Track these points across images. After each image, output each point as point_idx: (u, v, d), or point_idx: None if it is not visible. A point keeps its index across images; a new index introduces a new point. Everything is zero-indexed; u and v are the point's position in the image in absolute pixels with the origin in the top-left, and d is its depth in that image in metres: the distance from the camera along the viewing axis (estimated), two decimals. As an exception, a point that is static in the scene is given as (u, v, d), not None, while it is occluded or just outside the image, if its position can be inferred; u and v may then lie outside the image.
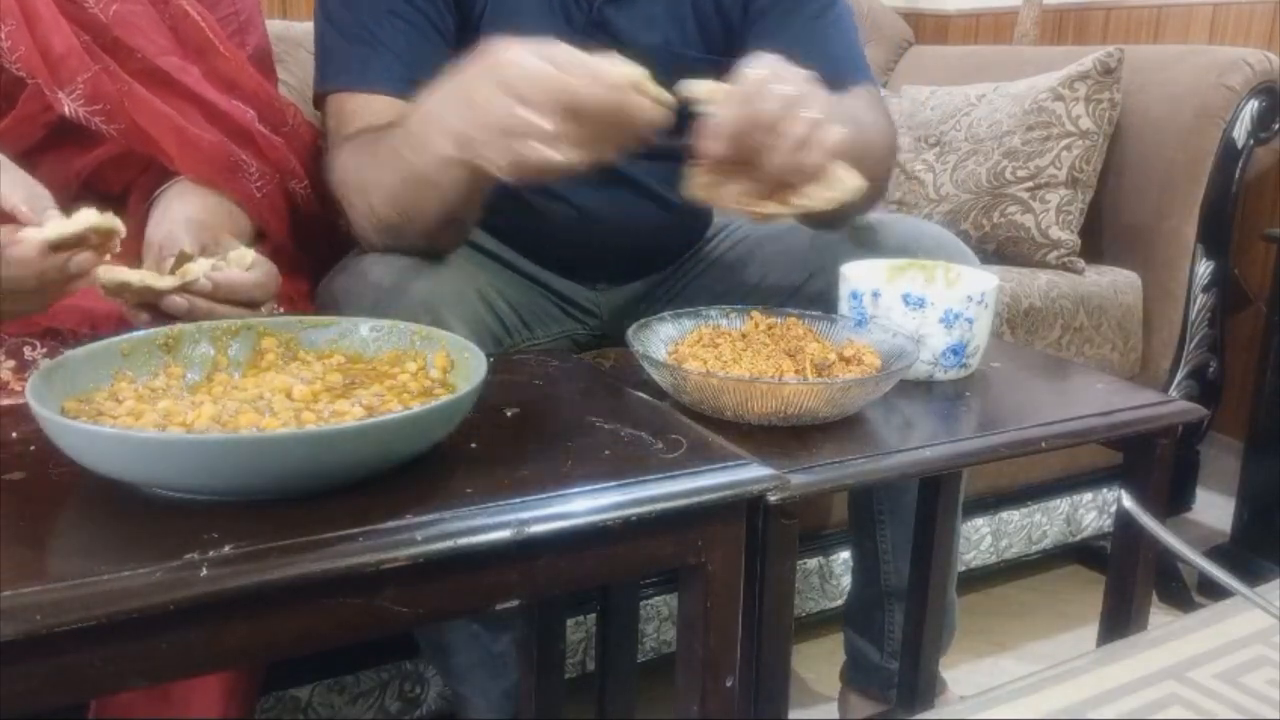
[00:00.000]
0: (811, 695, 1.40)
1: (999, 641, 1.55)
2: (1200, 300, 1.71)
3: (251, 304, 0.82)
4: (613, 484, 0.61)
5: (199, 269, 0.77)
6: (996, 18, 2.45)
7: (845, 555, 1.41)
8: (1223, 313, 1.73)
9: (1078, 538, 1.69)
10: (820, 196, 0.78)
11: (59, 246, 0.71)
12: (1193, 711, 0.46)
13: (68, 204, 0.97)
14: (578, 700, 1.12)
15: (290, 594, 0.51)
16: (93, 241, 0.73)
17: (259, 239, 1.00)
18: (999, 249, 1.71)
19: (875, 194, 1.03)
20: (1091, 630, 0.95)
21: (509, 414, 0.72)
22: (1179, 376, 1.72)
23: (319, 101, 1.04)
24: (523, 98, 0.72)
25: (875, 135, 1.01)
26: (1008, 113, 1.73)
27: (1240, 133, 1.65)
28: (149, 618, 0.48)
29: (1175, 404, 0.87)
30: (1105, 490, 1.68)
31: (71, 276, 0.73)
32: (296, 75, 1.48)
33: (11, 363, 0.83)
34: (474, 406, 0.65)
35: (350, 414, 0.60)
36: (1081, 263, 1.67)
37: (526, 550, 0.57)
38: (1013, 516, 1.61)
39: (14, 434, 0.64)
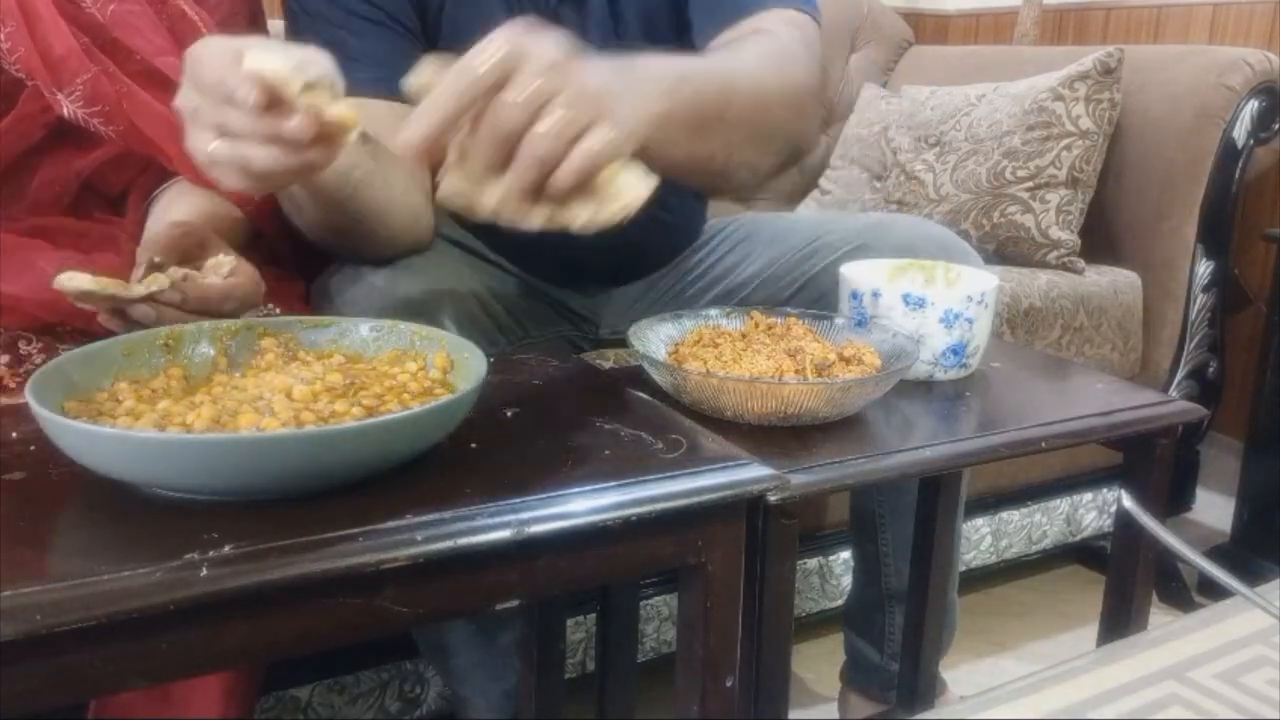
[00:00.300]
0: (811, 695, 1.40)
1: (999, 641, 1.55)
2: (1200, 300, 1.71)
3: (224, 314, 0.81)
4: (613, 484, 0.61)
5: (166, 279, 0.76)
6: (996, 18, 2.45)
7: (845, 555, 1.41)
8: (1223, 313, 1.73)
9: (1078, 538, 1.69)
10: (590, 212, 0.65)
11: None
12: (1193, 711, 0.46)
13: (68, 204, 0.97)
14: (578, 700, 1.12)
15: (290, 594, 0.51)
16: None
17: (256, 239, 1.00)
18: (999, 249, 1.71)
19: (789, 154, 0.95)
20: (1091, 630, 0.95)
21: (509, 414, 0.72)
22: (1179, 376, 1.72)
23: None
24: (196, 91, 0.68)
25: (767, 88, 0.88)
26: (1008, 113, 1.73)
27: (1240, 133, 1.65)
28: (149, 618, 0.48)
29: (1175, 404, 0.87)
30: (1105, 490, 1.68)
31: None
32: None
33: (6, 357, 0.83)
34: (474, 406, 0.65)
35: (350, 414, 0.60)
36: (1081, 263, 1.67)
37: (526, 550, 0.57)
38: (1013, 516, 1.61)
39: (14, 434, 0.64)
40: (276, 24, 1.53)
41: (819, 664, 1.44)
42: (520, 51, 0.62)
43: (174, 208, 0.93)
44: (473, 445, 0.66)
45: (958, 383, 0.88)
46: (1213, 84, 1.64)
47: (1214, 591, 1.55)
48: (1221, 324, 1.73)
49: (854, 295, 0.90)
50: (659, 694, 1.26)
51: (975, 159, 1.75)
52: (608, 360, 1.18)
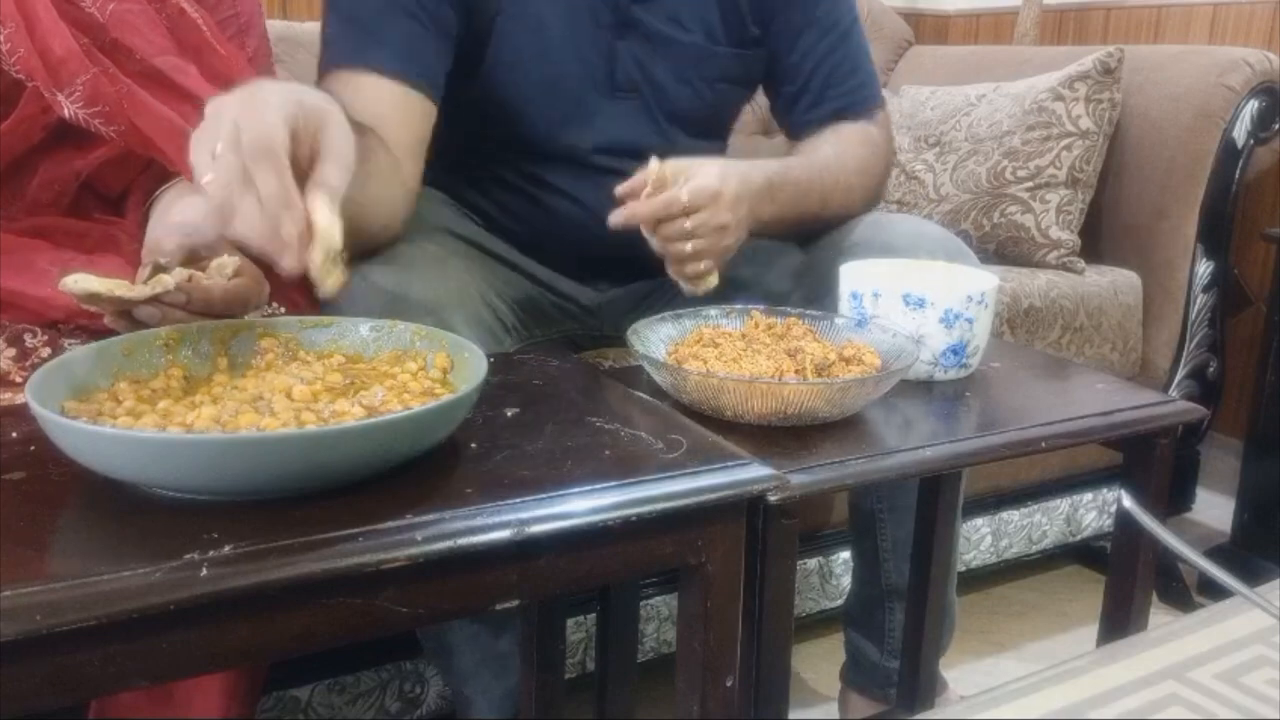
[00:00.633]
0: (811, 695, 1.40)
1: (999, 641, 1.55)
2: (1200, 300, 1.71)
3: (230, 315, 0.81)
4: (613, 484, 0.61)
5: (171, 280, 0.76)
6: (996, 18, 2.45)
7: (845, 555, 1.41)
8: (1223, 313, 1.73)
9: (1078, 538, 1.69)
10: (685, 286, 1.00)
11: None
12: (1193, 711, 0.46)
13: (67, 204, 0.97)
14: (578, 700, 1.12)
15: (290, 594, 0.51)
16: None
17: None
18: (999, 249, 1.71)
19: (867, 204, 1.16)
20: (1091, 630, 0.95)
21: (509, 414, 0.72)
22: (1179, 376, 1.72)
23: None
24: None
25: (854, 190, 1.13)
26: (1008, 113, 1.73)
27: (1240, 133, 1.65)
28: (149, 618, 0.48)
29: (1175, 404, 0.87)
30: (1105, 490, 1.68)
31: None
32: (297, 76, 1.48)
33: (12, 351, 0.83)
34: (474, 406, 0.65)
35: (350, 414, 0.60)
36: (1081, 263, 1.67)
37: (526, 550, 0.57)
38: (1013, 516, 1.61)
39: (14, 434, 0.64)
40: (277, 24, 1.53)
41: (819, 664, 1.44)
42: (702, 194, 0.94)
43: (175, 209, 0.93)
44: (472, 445, 0.66)
45: (958, 383, 0.88)
46: (1213, 84, 1.64)
47: (1214, 591, 1.55)
48: (1221, 324, 1.73)
49: (854, 295, 0.90)
50: (659, 694, 1.26)
51: (975, 159, 1.75)
52: (608, 360, 1.18)
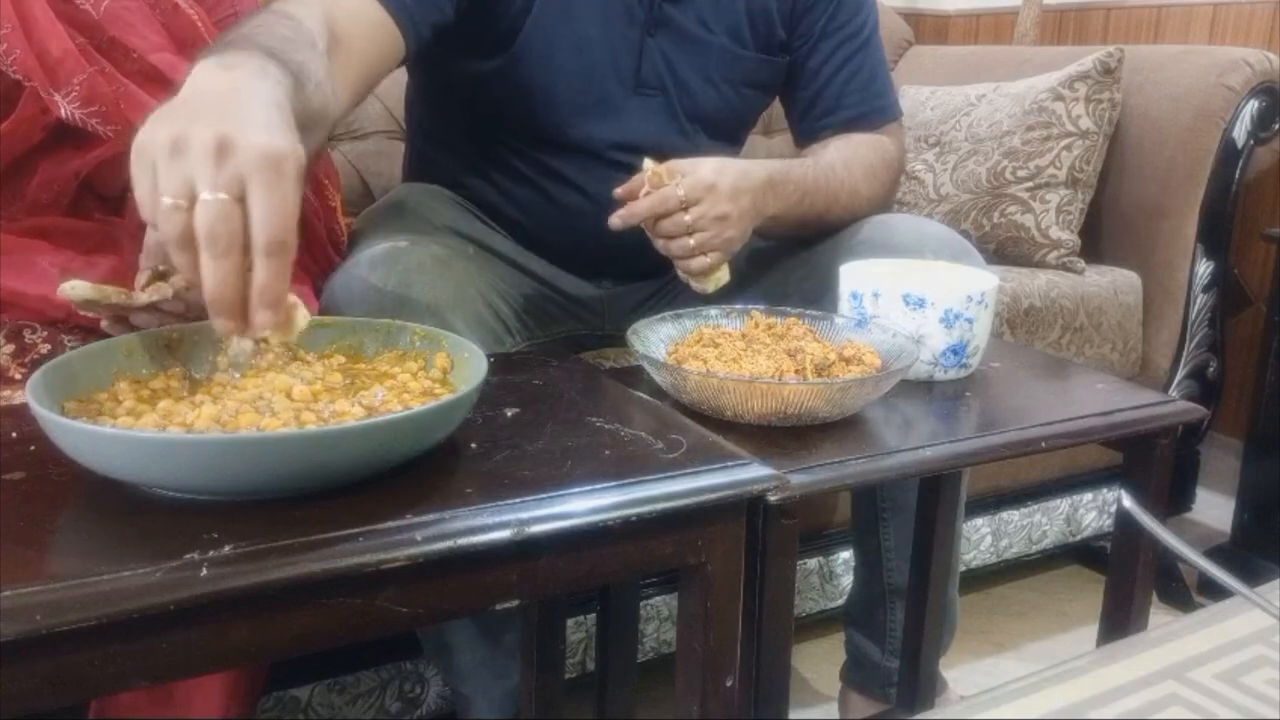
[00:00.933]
0: (811, 695, 1.40)
1: (999, 641, 1.55)
2: (1200, 300, 1.71)
3: None
4: (613, 484, 0.61)
5: (170, 288, 0.76)
6: (996, 18, 2.45)
7: (845, 555, 1.41)
8: (1223, 313, 1.73)
9: (1078, 538, 1.69)
10: (694, 284, 1.02)
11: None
12: (1193, 711, 0.46)
13: (66, 204, 0.97)
14: (578, 700, 1.12)
15: (290, 594, 0.51)
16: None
17: None
18: (999, 249, 1.71)
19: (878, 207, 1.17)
20: (1091, 630, 0.95)
21: (509, 414, 0.72)
22: (1179, 376, 1.72)
23: None
24: None
25: (860, 184, 1.13)
26: (1008, 113, 1.73)
27: (1240, 133, 1.65)
28: (149, 618, 0.48)
29: (1175, 404, 0.87)
30: (1105, 490, 1.68)
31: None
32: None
33: (11, 347, 0.82)
34: (474, 406, 0.65)
35: (350, 414, 0.60)
36: (1081, 263, 1.67)
37: (526, 550, 0.57)
38: (1013, 516, 1.61)
39: (14, 434, 0.64)
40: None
41: (819, 664, 1.44)
42: (698, 187, 0.96)
43: None
44: (473, 445, 0.66)
45: (958, 383, 0.88)
46: (1213, 84, 1.64)
47: (1214, 591, 1.55)
48: (1221, 324, 1.73)
49: (854, 295, 0.90)
50: (659, 694, 1.26)
51: (975, 159, 1.75)
52: (608, 360, 1.18)
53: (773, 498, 0.66)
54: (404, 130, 1.37)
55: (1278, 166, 1.87)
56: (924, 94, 1.93)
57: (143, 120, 0.93)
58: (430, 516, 0.55)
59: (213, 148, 0.56)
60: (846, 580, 1.40)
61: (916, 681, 1.14)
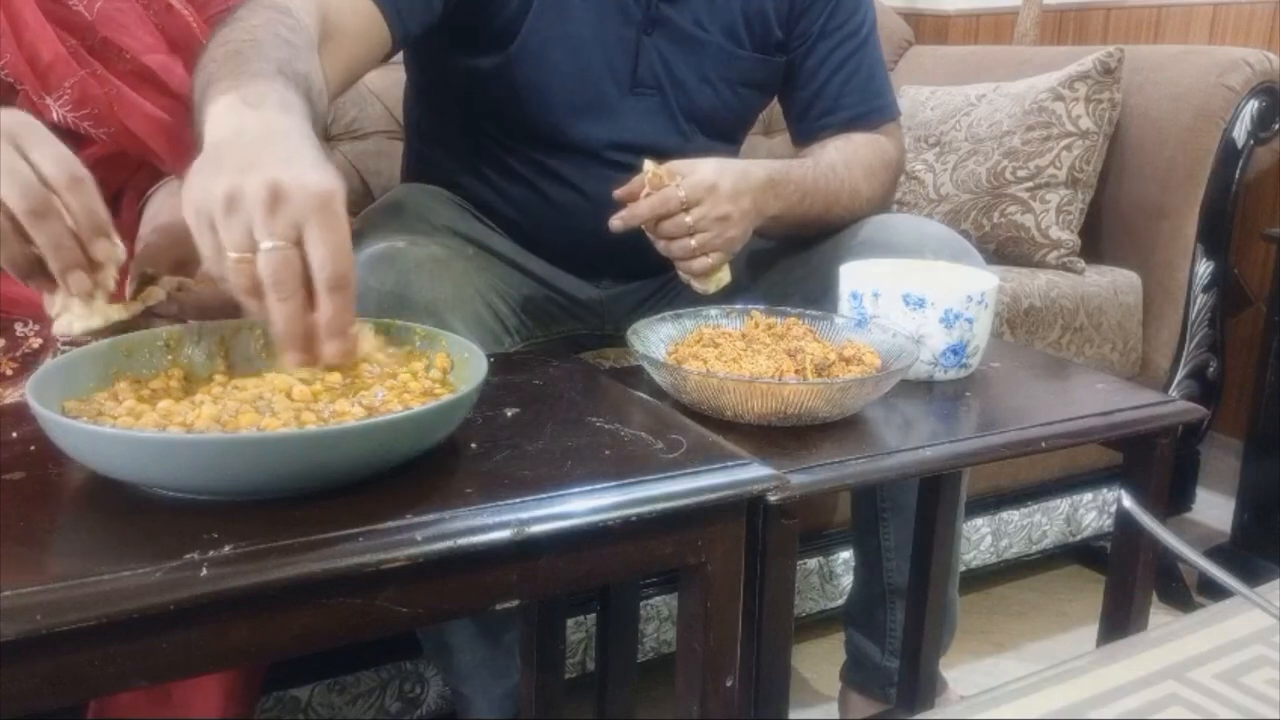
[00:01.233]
0: (811, 695, 1.40)
1: (999, 641, 1.55)
2: (1200, 300, 1.71)
3: (226, 319, 0.81)
4: (613, 484, 0.61)
5: (162, 291, 0.75)
6: (996, 18, 2.45)
7: (846, 555, 1.41)
8: (1223, 313, 1.73)
9: (1078, 538, 1.69)
10: (696, 284, 1.02)
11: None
12: (1193, 711, 0.46)
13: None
14: (578, 700, 1.12)
15: (290, 594, 0.51)
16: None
17: None
18: (999, 249, 1.71)
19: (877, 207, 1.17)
20: (1091, 630, 0.95)
21: (509, 414, 0.72)
22: (1179, 376, 1.72)
23: None
24: None
25: (859, 184, 1.13)
26: (1008, 113, 1.73)
27: (1240, 133, 1.65)
28: (149, 618, 0.48)
29: (1175, 404, 0.87)
30: (1105, 490, 1.68)
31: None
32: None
33: (1, 341, 0.82)
34: (474, 406, 0.65)
35: (350, 414, 0.60)
36: (1081, 263, 1.67)
37: (526, 550, 0.57)
38: (1013, 516, 1.61)
39: (14, 434, 0.64)
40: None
41: (819, 664, 1.44)
42: (698, 188, 0.96)
43: (164, 211, 0.92)
44: (473, 445, 0.66)
45: (958, 383, 0.88)
46: (1213, 84, 1.64)
47: (1214, 591, 1.55)
48: (1221, 324, 1.73)
49: (854, 295, 0.90)
50: (659, 694, 1.26)
51: (975, 159, 1.75)
52: (608, 360, 1.18)
53: (773, 498, 0.66)
54: (403, 130, 1.37)
55: (1278, 166, 1.87)
56: (924, 94, 1.93)
57: (135, 122, 0.93)
58: (430, 516, 0.55)
59: (266, 198, 0.59)
60: (846, 580, 1.40)
61: (916, 681, 1.14)
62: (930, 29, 2.55)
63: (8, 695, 0.47)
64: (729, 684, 0.67)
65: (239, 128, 0.66)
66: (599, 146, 1.12)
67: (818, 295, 1.04)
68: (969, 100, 1.82)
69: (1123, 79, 1.68)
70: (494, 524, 0.56)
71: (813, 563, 1.41)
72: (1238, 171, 1.67)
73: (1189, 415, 0.87)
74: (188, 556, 0.50)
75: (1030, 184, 1.68)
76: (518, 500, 0.58)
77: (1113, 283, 1.67)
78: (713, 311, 0.92)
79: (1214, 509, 1.87)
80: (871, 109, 1.19)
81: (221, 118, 0.67)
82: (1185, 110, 1.66)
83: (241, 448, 0.53)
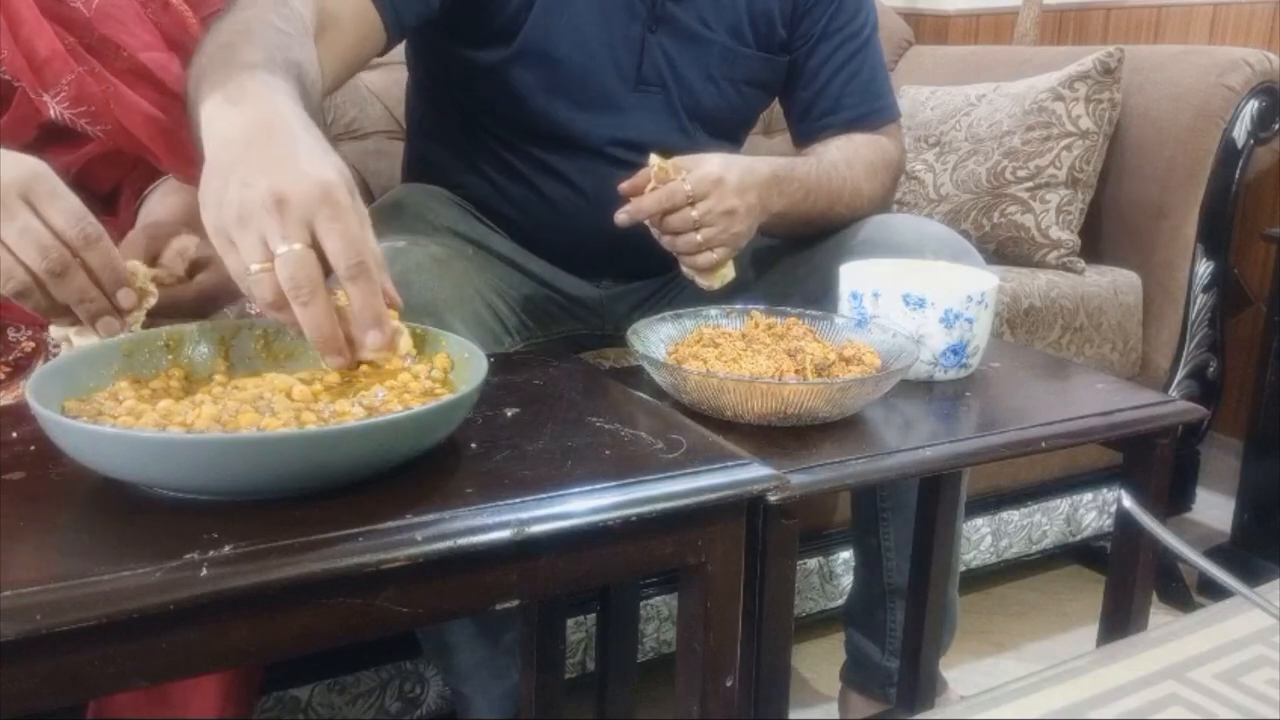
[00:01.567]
0: (811, 695, 1.40)
1: (999, 641, 1.55)
2: (1200, 300, 1.71)
3: (208, 312, 0.81)
4: (613, 484, 0.61)
5: (153, 297, 0.75)
6: (996, 18, 2.45)
7: (846, 555, 1.41)
8: (1223, 313, 1.73)
9: (1078, 538, 1.69)
10: (700, 280, 1.02)
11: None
12: (1193, 711, 0.46)
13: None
14: (578, 700, 1.12)
15: (290, 594, 0.51)
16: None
17: None
18: (999, 249, 1.71)
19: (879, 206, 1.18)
20: (1091, 630, 0.95)
21: (509, 414, 0.72)
22: (1179, 376, 1.72)
23: None
24: None
25: (861, 183, 1.14)
26: (1008, 113, 1.73)
27: (1240, 133, 1.65)
28: (149, 618, 0.48)
29: (1175, 404, 0.87)
30: (1105, 490, 1.68)
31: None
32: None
33: None
34: (474, 406, 0.64)
35: (351, 414, 0.60)
36: (1081, 263, 1.67)
37: (526, 550, 0.57)
38: (1013, 516, 1.61)
39: (14, 434, 0.64)
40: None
41: (819, 664, 1.44)
42: (704, 182, 0.96)
43: (158, 209, 0.92)
44: (473, 445, 0.66)
45: (958, 383, 0.88)
46: (1213, 84, 1.64)
47: (1214, 591, 1.55)
48: (1221, 324, 1.73)
49: (854, 295, 0.90)
50: (659, 694, 1.26)
51: (975, 159, 1.75)
52: (608, 360, 1.18)
53: (773, 498, 0.66)
54: (404, 130, 1.37)
55: (1278, 166, 1.87)
56: (924, 94, 1.93)
57: (131, 120, 0.93)
58: (430, 516, 0.55)
59: (271, 204, 0.59)
60: (846, 580, 1.40)
61: (916, 681, 1.14)
62: (930, 29, 2.55)
63: (8, 695, 0.47)
64: (729, 684, 0.67)
65: (228, 136, 0.65)
66: (602, 143, 1.12)
67: (818, 295, 1.04)
68: (969, 100, 1.82)
69: (1123, 79, 1.68)
70: (494, 524, 0.56)
71: (813, 563, 1.41)
72: (1238, 171, 1.67)
73: (1189, 415, 0.87)
74: (188, 556, 0.50)
75: (1030, 184, 1.68)
76: (518, 500, 0.58)
77: (1113, 283, 1.67)
78: (713, 311, 0.92)
79: (1214, 509, 1.87)
80: (872, 110, 1.19)
81: (213, 124, 0.67)
82: (1185, 110, 1.66)
83: (241, 448, 0.53)
